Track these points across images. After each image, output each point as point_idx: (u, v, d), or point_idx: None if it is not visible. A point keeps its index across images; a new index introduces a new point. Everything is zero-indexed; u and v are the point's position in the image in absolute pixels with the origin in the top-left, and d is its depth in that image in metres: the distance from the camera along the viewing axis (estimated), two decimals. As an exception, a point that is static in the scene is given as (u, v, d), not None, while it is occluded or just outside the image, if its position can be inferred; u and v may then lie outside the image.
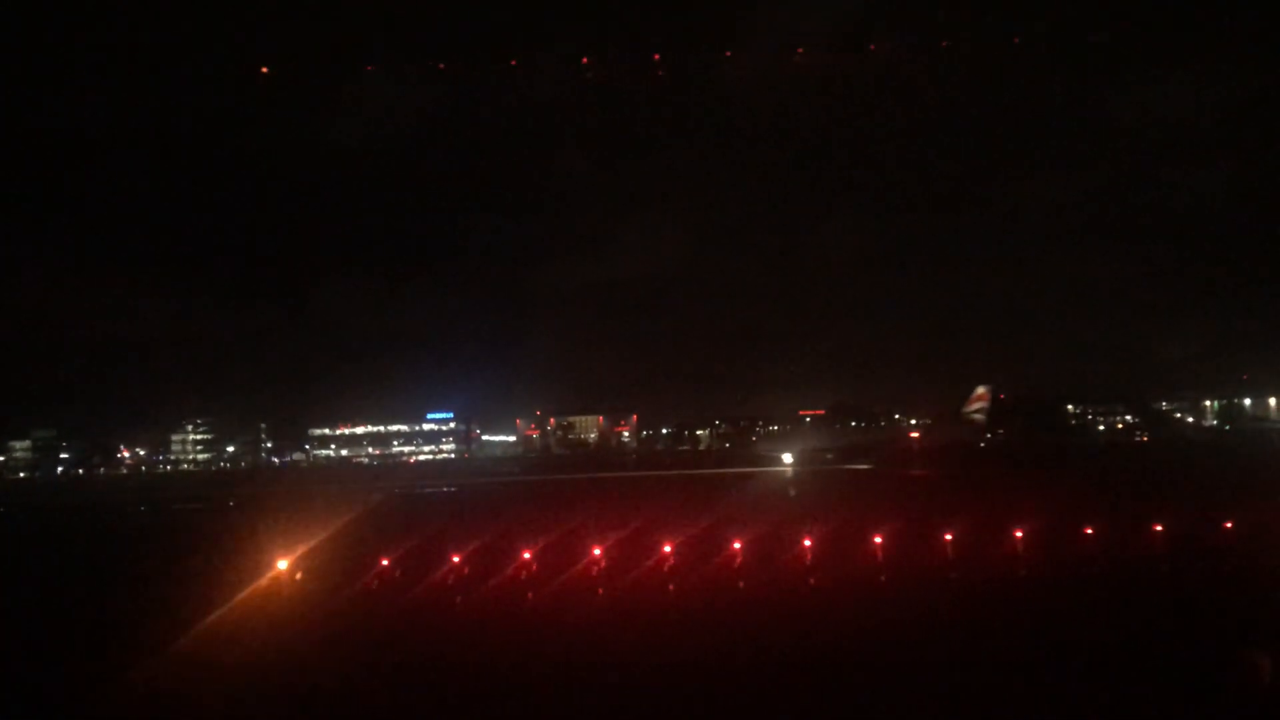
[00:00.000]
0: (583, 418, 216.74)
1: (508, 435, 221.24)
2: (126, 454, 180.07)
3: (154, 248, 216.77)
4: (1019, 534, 36.26)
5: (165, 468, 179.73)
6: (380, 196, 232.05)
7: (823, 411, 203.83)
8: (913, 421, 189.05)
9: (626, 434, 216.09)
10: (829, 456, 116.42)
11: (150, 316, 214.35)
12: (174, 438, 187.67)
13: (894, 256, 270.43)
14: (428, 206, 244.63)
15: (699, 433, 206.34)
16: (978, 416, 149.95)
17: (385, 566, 35.88)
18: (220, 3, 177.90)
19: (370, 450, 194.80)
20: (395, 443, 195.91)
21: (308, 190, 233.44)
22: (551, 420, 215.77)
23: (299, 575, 35.40)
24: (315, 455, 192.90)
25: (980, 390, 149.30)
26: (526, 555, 36.14)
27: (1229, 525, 37.54)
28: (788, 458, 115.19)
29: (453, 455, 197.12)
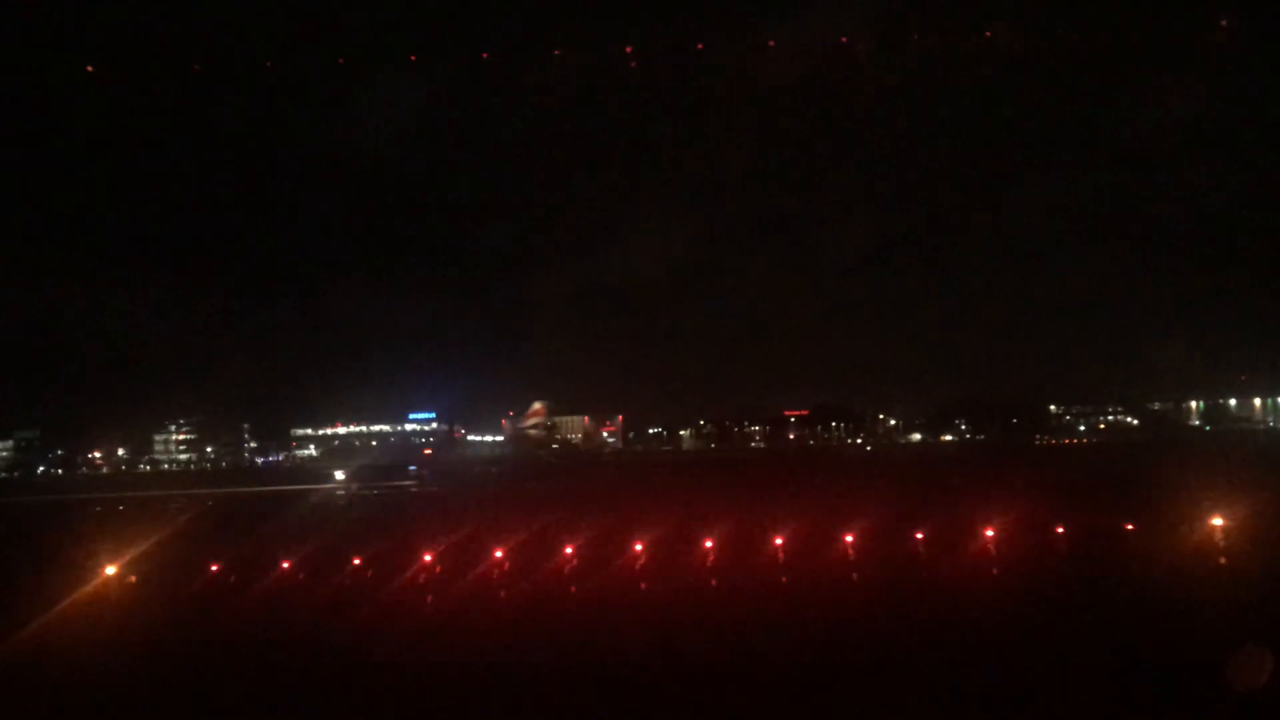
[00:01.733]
0: (568, 418, 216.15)
1: (495, 435, 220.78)
2: (98, 455, 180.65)
3: (139, 247, 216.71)
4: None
5: (145, 468, 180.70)
6: (366, 198, 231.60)
7: (806, 412, 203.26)
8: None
9: (608, 434, 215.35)
10: (379, 472, 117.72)
11: (135, 316, 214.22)
12: (156, 438, 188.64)
13: (882, 258, 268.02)
14: (414, 208, 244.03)
15: (681, 433, 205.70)
16: (534, 432, 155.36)
17: (218, 571, 35.69)
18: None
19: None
20: (374, 443, 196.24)
21: (294, 192, 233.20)
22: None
23: (131, 578, 35.30)
24: (296, 456, 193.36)
25: (537, 406, 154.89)
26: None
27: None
28: (339, 475, 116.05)
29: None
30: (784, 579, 34.38)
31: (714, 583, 35.23)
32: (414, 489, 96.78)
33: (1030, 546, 35.86)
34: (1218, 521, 35.94)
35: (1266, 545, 35.23)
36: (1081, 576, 32.56)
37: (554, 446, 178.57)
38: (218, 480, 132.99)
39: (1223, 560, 34.28)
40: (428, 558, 37.06)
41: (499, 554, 36.82)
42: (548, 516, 44.62)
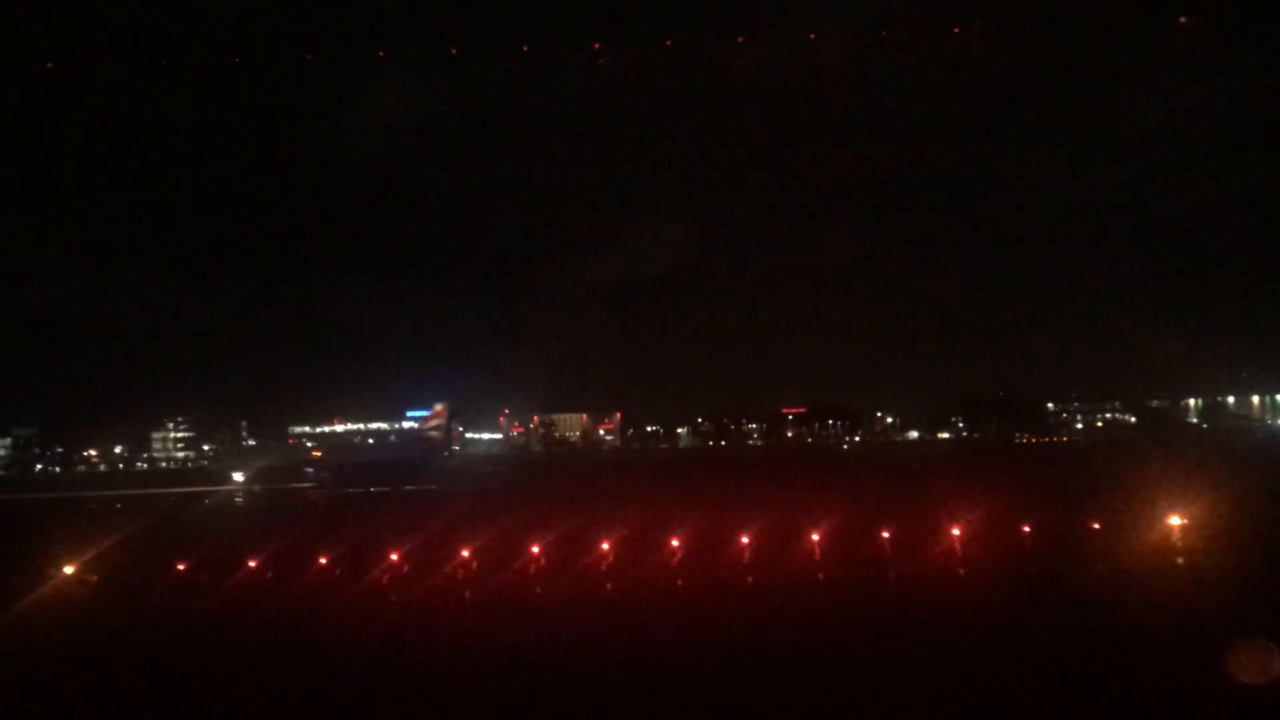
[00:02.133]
0: (565, 416, 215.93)
1: (495, 433, 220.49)
2: (94, 452, 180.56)
3: (139, 246, 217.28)
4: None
5: (141, 466, 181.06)
6: (364, 198, 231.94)
7: (804, 409, 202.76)
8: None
9: (603, 431, 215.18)
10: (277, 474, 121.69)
11: (134, 315, 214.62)
12: (155, 435, 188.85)
13: (882, 256, 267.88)
14: (414, 208, 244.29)
15: (678, 431, 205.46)
16: (435, 434, 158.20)
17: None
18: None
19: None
20: (371, 441, 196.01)
21: (293, 192, 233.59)
22: (535, 418, 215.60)
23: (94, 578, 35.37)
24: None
25: (438, 407, 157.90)
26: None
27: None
28: (238, 476, 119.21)
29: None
30: (750, 579, 34.29)
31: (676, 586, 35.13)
32: (310, 490, 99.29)
33: (989, 545, 35.79)
34: (1175, 520, 35.80)
35: (1224, 544, 35.11)
36: (1042, 574, 32.53)
37: (454, 448, 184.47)
38: (168, 481, 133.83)
39: (1180, 560, 34.26)
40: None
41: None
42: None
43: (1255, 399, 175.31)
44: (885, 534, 36.68)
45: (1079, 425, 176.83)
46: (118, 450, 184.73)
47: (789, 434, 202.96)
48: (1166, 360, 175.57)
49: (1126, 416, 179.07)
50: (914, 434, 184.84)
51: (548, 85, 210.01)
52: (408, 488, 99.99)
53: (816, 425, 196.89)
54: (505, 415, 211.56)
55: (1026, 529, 36.84)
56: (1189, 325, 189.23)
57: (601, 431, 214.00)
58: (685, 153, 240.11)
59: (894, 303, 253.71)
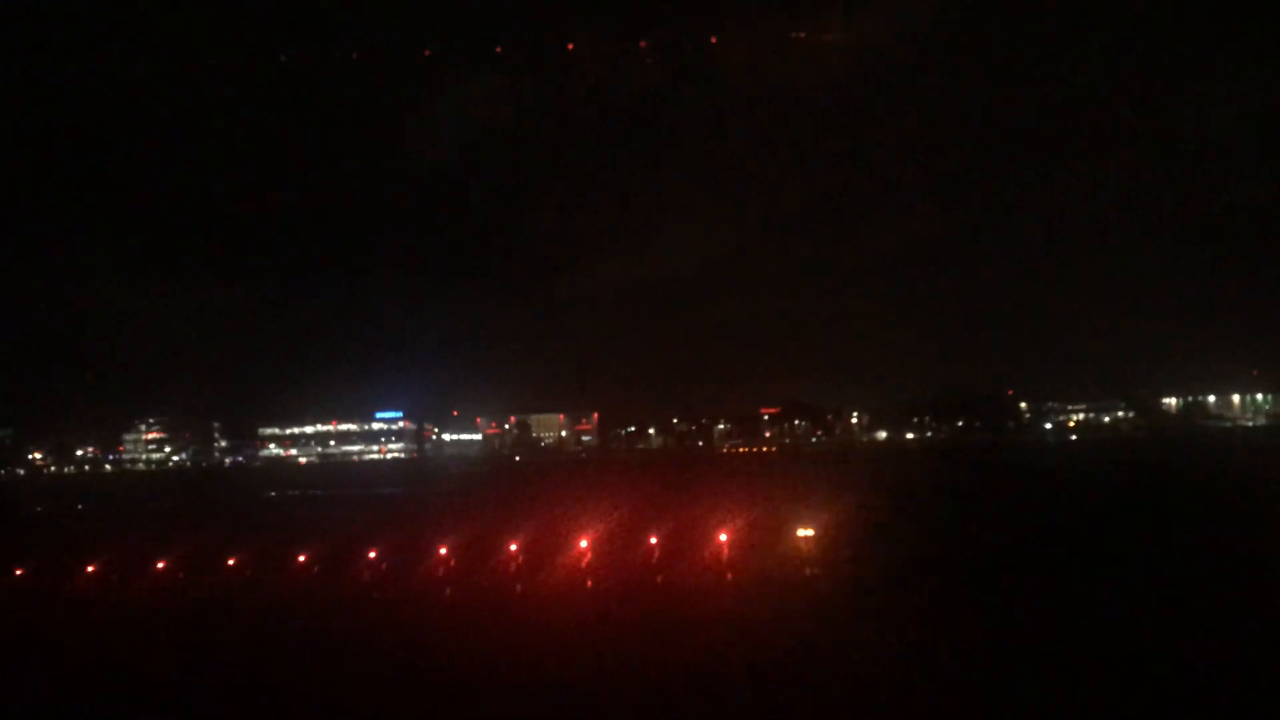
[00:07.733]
0: (541, 416, 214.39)
1: (472, 434, 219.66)
2: (38, 456, 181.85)
3: (113, 246, 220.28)
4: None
5: (107, 468, 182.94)
6: (337, 197, 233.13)
7: (778, 410, 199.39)
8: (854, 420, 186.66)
9: (586, 434, 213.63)
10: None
11: (111, 314, 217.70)
12: (127, 437, 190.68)
13: (867, 256, 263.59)
14: (386, 207, 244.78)
15: (650, 431, 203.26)
16: None
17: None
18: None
19: (318, 450, 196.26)
20: (332, 442, 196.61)
21: (266, 192, 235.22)
22: (512, 418, 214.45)
23: None
24: (263, 455, 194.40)
25: None
26: None
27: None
28: None
29: (403, 456, 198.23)
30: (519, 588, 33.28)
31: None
32: None
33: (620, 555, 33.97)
34: (805, 533, 33.56)
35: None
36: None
37: None
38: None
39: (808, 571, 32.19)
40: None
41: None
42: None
43: (1236, 399, 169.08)
44: (512, 546, 34.81)
45: (1048, 425, 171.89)
46: (85, 452, 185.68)
47: (767, 434, 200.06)
48: (1143, 359, 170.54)
49: (1101, 417, 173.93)
50: (882, 434, 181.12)
51: (530, 90, 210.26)
52: None
53: (786, 425, 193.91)
54: (472, 416, 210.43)
55: (654, 540, 34.78)
56: (1173, 323, 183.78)
57: (565, 433, 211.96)
58: (668, 158, 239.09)
59: (876, 300, 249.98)
